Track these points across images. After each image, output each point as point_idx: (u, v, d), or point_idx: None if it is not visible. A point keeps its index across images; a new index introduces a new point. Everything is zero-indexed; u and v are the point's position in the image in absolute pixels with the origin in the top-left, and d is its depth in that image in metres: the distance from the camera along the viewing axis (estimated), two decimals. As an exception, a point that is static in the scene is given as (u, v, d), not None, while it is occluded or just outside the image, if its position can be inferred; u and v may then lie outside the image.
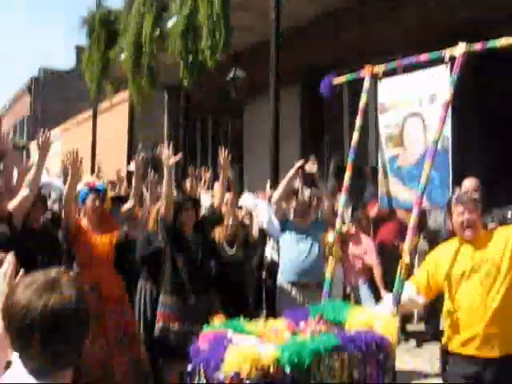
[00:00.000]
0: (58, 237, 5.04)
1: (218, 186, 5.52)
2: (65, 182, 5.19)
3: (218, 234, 5.36)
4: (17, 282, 1.70)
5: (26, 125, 33.77)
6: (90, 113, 17.43)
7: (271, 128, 7.75)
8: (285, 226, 5.62)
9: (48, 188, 7.86)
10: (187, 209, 4.88)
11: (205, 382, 3.18)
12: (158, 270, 5.10)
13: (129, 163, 12.68)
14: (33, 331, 1.57)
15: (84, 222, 4.87)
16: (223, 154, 5.27)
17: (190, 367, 3.36)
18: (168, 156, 4.77)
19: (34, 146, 30.41)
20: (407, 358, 6.03)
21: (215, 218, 5.25)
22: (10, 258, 1.98)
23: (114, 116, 17.67)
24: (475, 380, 3.40)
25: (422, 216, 5.68)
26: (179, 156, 5.08)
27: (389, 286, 4.40)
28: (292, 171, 5.70)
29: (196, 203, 5.09)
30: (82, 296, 1.67)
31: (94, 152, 15.64)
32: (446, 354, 3.62)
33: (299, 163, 5.75)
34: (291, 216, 5.77)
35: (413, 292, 3.72)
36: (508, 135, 6.94)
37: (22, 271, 1.92)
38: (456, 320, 3.47)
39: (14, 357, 1.67)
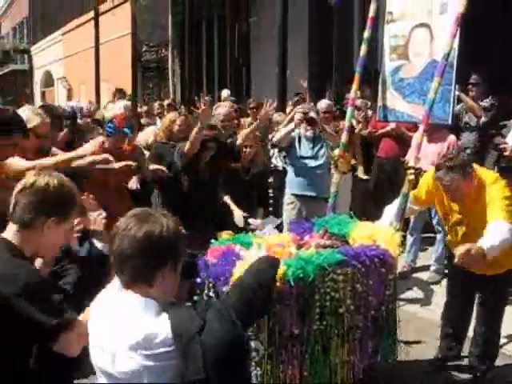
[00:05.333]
0: None
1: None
2: None
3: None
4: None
5: (25, 27, 32.96)
6: (91, 14, 16.95)
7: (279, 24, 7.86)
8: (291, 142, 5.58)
9: None
10: (209, 148, 4.81)
11: (214, 295, 3.33)
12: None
13: (133, 67, 12.35)
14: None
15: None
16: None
17: (198, 280, 3.51)
18: (204, 110, 4.48)
19: (35, 51, 29.65)
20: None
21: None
22: None
23: (117, 16, 17.18)
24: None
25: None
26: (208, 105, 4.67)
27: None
28: (294, 117, 5.62)
29: (218, 142, 4.87)
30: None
31: (97, 56, 15.36)
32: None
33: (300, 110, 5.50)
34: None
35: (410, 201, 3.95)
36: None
37: None
38: (454, 245, 3.57)
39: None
